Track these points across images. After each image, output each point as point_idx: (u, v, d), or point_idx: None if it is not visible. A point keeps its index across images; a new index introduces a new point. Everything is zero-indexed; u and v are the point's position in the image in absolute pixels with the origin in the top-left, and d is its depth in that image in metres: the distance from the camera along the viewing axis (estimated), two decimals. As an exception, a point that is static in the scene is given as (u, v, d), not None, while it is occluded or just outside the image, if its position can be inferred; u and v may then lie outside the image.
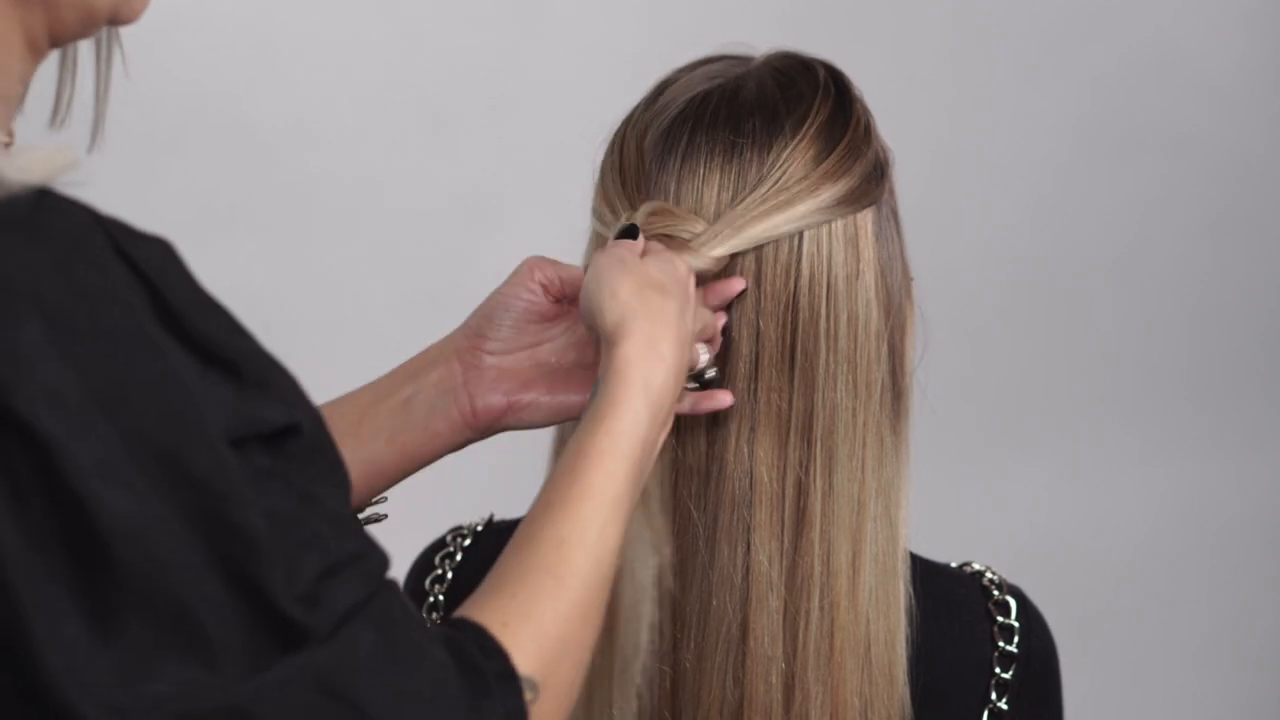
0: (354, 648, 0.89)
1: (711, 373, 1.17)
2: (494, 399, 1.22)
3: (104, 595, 0.83)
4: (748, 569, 1.18)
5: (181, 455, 0.85)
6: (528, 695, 0.97)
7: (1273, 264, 2.89)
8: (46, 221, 0.86)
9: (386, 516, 1.26)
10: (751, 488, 1.18)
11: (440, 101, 2.52)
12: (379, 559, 0.93)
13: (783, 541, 1.18)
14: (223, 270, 2.45)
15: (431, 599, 1.32)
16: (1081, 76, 2.76)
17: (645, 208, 1.17)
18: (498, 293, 1.22)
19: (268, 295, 2.46)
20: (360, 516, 1.26)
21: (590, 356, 1.23)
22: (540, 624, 0.99)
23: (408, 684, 0.91)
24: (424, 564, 1.34)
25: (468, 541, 1.33)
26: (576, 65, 2.54)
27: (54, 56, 1.04)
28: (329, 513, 0.91)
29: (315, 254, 2.50)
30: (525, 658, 0.97)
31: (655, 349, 1.09)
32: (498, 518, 1.35)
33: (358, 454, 1.22)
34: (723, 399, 1.17)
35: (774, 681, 1.17)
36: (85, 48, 1.05)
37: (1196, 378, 2.89)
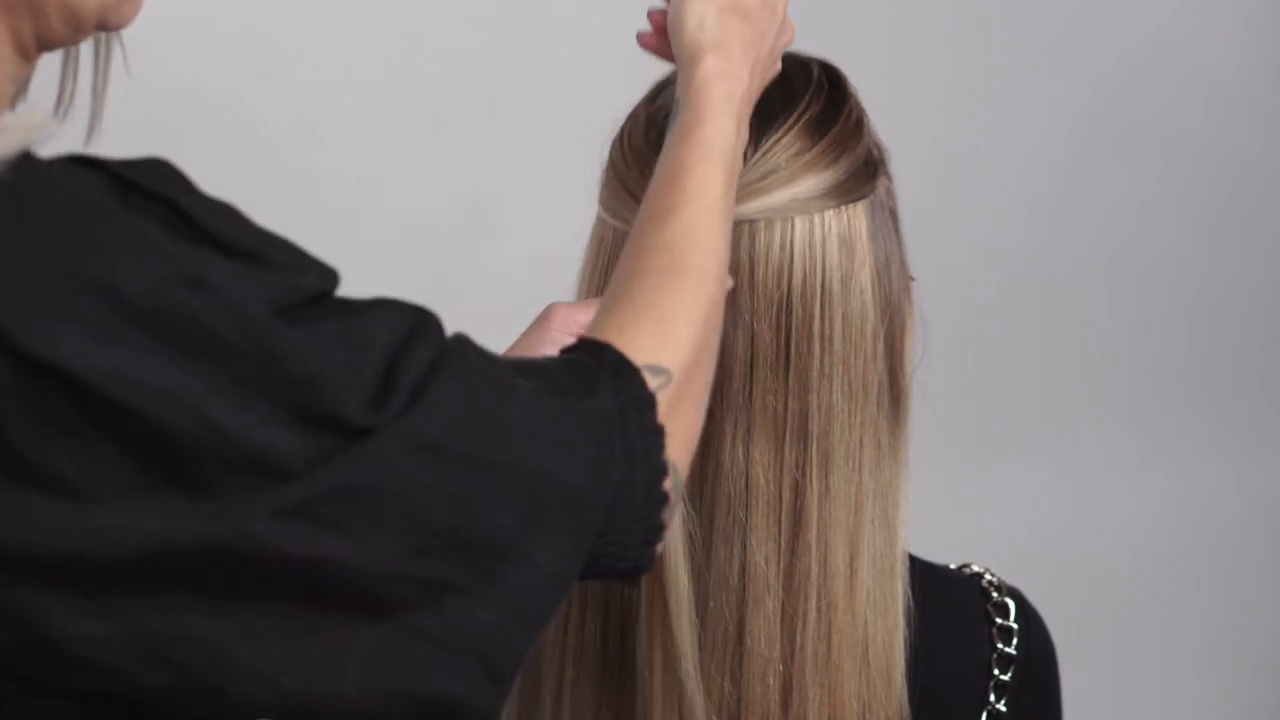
0: (436, 403, 0.91)
1: None
2: None
3: (187, 465, 0.85)
4: (744, 570, 1.18)
5: (227, 339, 0.87)
6: (653, 381, 0.98)
7: (1272, 264, 2.89)
8: (28, 191, 0.88)
9: None
10: (748, 489, 1.18)
11: (441, 102, 2.52)
12: (431, 321, 0.97)
13: (779, 543, 1.18)
14: (223, 270, 2.46)
15: None
16: (1080, 76, 2.76)
17: None
18: (531, 352, 1.21)
19: (268, 295, 2.46)
20: None
21: None
22: (662, 316, 1.01)
23: (505, 414, 0.92)
24: None
25: None
26: (577, 65, 2.54)
27: (57, 51, 1.06)
28: (373, 314, 0.96)
29: (316, 254, 2.49)
30: (646, 350, 0.99)
31: (731, 69, 1.13)
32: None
33: None
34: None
35: (771, 683, 1.17)
36: (87, 44, 1.07)
37: (1196, 378, 2.89)
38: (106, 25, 1.01)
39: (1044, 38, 2.74)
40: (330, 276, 0.99)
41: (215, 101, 2.39)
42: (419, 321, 0.97)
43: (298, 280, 0.94)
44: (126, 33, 1.10)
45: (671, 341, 1.00)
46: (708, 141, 1.10)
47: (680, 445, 1.00)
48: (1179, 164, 2.81)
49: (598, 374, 0.97)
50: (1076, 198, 2.79)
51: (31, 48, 1.00)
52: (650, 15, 1.24)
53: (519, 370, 0.97)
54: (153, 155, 0.95)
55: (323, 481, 0.87)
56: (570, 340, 1.17)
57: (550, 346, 1.18)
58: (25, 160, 0.89)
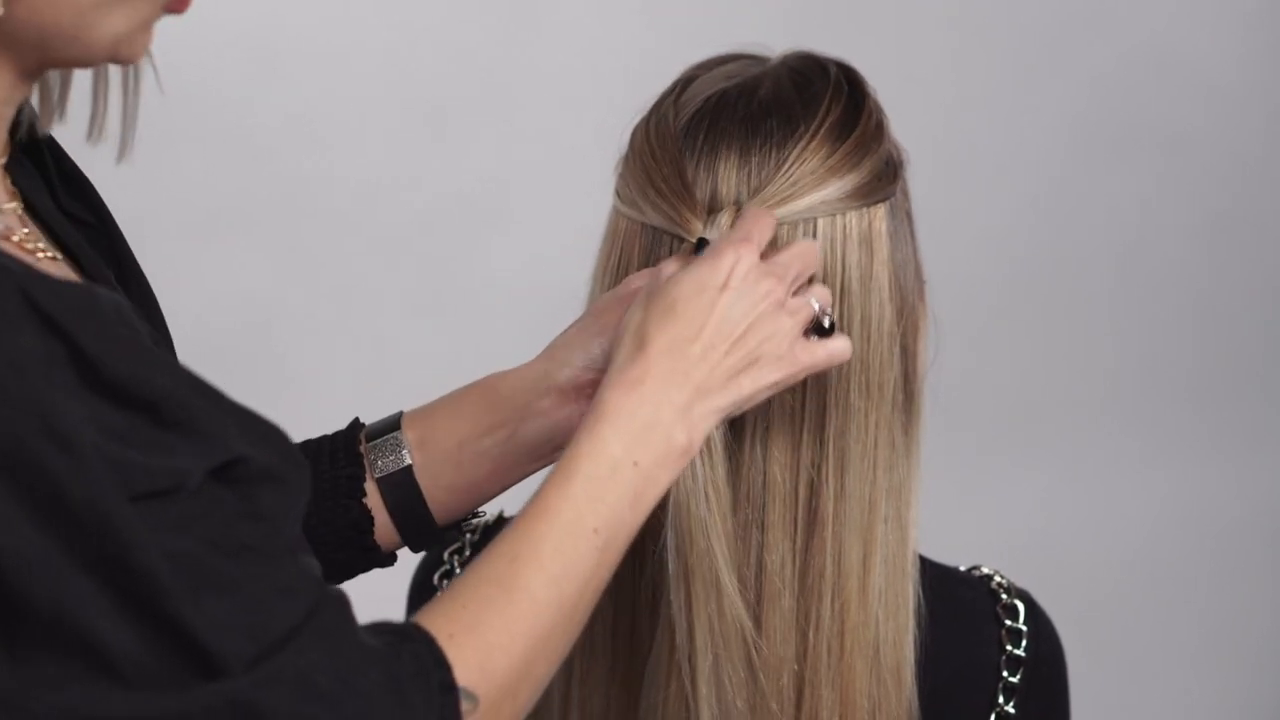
0: (280, 674, 0.90)
1: (827, 321, 1.12)
2: None
3: (10, 629, 0.86)
4: (760, 568, 1.18)
5: (73, 507, 0.86)
6: (465, 705, 0.97)
7: (1272, 264, 2.89)
8: None
9: (484, 513, 1.28)
10: (765, 487, 1.17)
11: (441, 101, 2.51)
12: (314, 583, 0.94)
13: (795, 541, 1.18)
14: (224, 271, 2.45)
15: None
16: (1080, 76, 2.76)
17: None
18: (592, 340, 1.19)
19: (269, 295, 2.46)
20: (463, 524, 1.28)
21: None
22: (485, 637, 0.99)
23: (340, 706, 0.91)
24: (434, 558, 1.34)
25: (477, 536, 1.33)
26: (578, 65, 2.54)
27: (88, 72, 1.06)
28: (264, 548, 0.92)
29: (316, 254, 2.49)
30: (467, 670, 0.97)
31: (635, 382, 1.07)
32: (509, 513, 1.35)
33: (457, 480, 1.22)
34: (839, 349, 1.13)
35: (785, 681, 1.17)
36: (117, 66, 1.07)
37: (1196, 379, 2.89)
38: (118, 58, 1.00)
39: (1044, 38, 2.74)
40: (245, 440, 0.94)
41: (215, 102, 2.38)
42: (295, 583, 0.94)
43: (172, 457, 0.91)
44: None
45: (491, 669, 0.99)
46: (578, 455, 1.05)
47: None
48: (1179, 164, 2.81)
49: (429, 685, 0.96)
50: (1076, 198, 2.79)
51: (34, 72, 1.00)
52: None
53: (370, 657, 0.96)
54: (84, 283, 0.94)
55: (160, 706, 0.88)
56: None
57: (607, 335, 1.17)
58: None
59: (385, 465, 1.21)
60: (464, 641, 0.98)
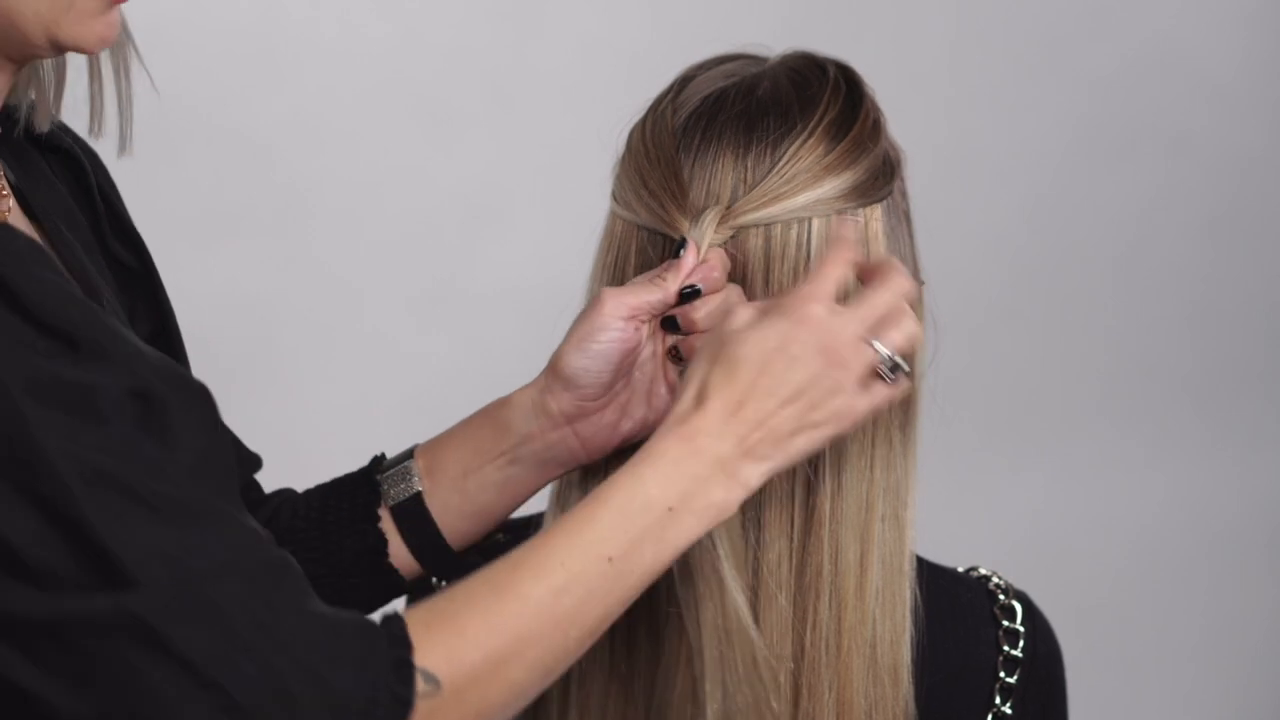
0: (193, 603, 0.92)
1: (891, 367, 1.10)
2: (607, 437, 1.21)
3: None
4: (757, 567, 1.18)
5: None
6: (424, 687, 0.97)
7: (1273, 264, 2.89)
8: None
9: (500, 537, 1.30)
10: (762, 485, 1.18)
11: (442, 101, 2.51)
12: (248, 534, 0.96)
13: (792, 540, 1.18)
14: (225, 271, 2.45)
15: None
16: (1081, 76, 2.76)
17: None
18: (588, 340, 1.19)
19: (269, 296, 2.46)
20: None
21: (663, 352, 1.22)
22: (460, 627, 1.00)
23: (253, 651, 0.92)
24: (425, 587, 1.34)
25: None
26: (577, 65, 2.54)
27: (83, 70, 1.11)
28: (189, 486, 0.94)
29: (316, 254, 2.49)
30: (433, 654, 0.98)
31: (687, 435, 1.07)
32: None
33: (465, 507, 1.24)
34: (898, 393, 1.11)
35: (782, 680, 1.17)
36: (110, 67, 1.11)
37: (1196, 378, 2.89)
38: (62, 44, 1.03)
39: (1045, 39, 2.74)
40: (150, 372, 0.97)
41: (214, 102, 2.38)
42: (219, 514, 0.96)
43: (94, 377, 0.94)
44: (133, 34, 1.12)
45: (457, 661, 0.99)
46: (606, 486, 1.06)
47: None
48: (1180, 164, 2.81)
49: (378, 648, 0.96)
50: (1078, 198, 2.79)
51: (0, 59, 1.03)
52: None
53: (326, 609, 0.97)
54: (7, 226, 0.98)
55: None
56: (621, 324, 1.17)
57: (605, 332, 1.18)
58: None
59: (397, 494, 1.24)
60: (437, 628, 0.99)
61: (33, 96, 1.13)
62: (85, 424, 0.92)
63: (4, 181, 1.10)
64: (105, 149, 1.16)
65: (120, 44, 1.12)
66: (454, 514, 1.24)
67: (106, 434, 0.93)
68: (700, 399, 1.08)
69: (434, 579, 1.28)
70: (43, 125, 1.14)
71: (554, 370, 1.20)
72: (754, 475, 1.08)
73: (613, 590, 1.04)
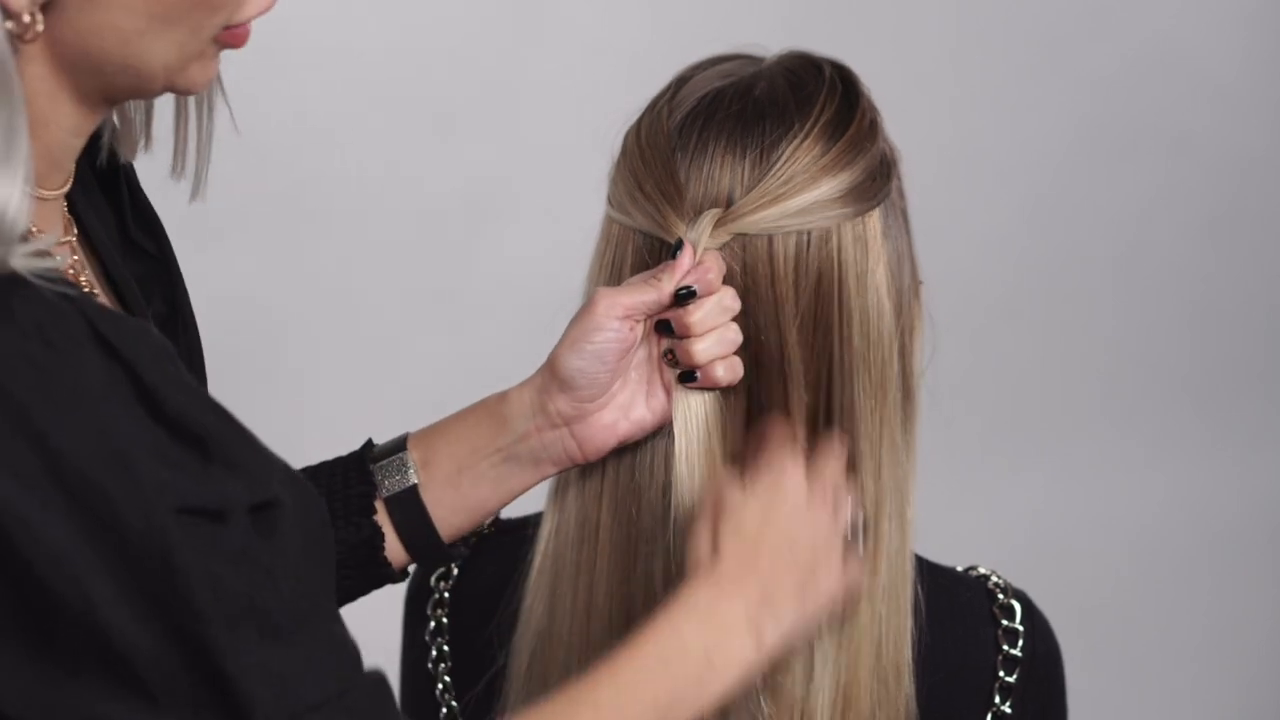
0: None
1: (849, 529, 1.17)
2: (605, 438, 1.21)
3: (47, 637, 0.88)
4: None
5: (120, 517, 0.88)
6: None
7: (1273, 264, 2.89)
8: (11, 305, 0.90)
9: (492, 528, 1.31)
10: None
11: (443, 101, 2.52)
12: (349, 655, 0.95)
13: None
14: (225, 271, 2.45)
15: (433, 624, 1.31)
16: (1082, 76, 2.76)
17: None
18: (583, 341, 1.19)
19: (269, 296, 2.46)
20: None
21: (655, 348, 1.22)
22: None
23: None
24: (421, 585, 1.34)
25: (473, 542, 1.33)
26: (577, 65, 2.54)
27: (170, 109, 1.08)
28: (301, 602, 0.93)
29: (318, 254, 2.49)
30: None
31: (712, 581, 1.09)
32: (501, 515, 1.35)
33: (458, 501, 1.24)
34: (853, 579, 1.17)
35: (797, 674, 1.17)
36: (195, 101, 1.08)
37: (1196, 378, 2.89)
38: (175, 88, 1.01)
39: (1046, 39, 2.74)
40: (281, 484, 0.97)
41: (216, 101, 2.38)
42: (332, 647, 0.96)
43: (224, 487, 0.93)
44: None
45: None
46: (644, 631, 1.07)
47: None
48: (1181, 164, 2.81)
49: None
50: (1079, 198, 2.79)
51: (98, 102, 1.01)
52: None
53: None
54: (138, 320, 0.97)
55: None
56: (616, 325, 1.17)
57: (599, 332, 1.17)
58: (13, 281, 0.91)
59: (392, 485, 1.23)
60: None
61: (116, 122, 1.10)
62: (214, 531, 0.91)
63: (71, 217, 1.08)
64: (183, 191, 1.12)
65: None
66: (447, 508, 1.23)
67: (231, 547, 0.92)
68: (715, 556, 1.10)
69: (427, 575, 1.28)
70: (130, 155, 1.13)
71: (551, 372, 1.20)
72: (772, 630, 1.10)
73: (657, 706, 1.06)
